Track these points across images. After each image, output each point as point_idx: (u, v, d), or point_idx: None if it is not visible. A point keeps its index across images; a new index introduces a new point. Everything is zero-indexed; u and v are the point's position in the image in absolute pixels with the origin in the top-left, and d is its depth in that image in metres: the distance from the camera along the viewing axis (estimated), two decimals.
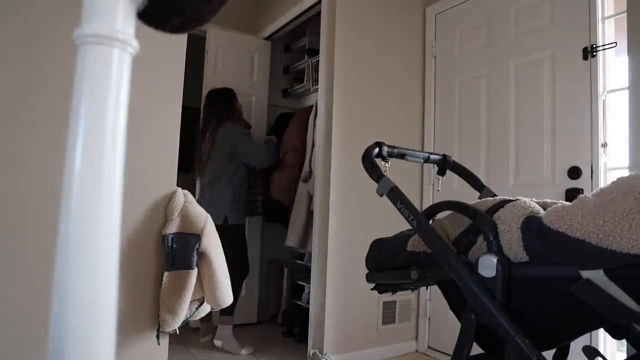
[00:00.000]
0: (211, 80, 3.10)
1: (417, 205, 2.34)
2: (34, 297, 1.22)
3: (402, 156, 1.30)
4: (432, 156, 1.39)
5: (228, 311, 2.66)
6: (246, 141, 2.81)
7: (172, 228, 1.46)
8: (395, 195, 1.08)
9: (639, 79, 1.86)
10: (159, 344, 1.46)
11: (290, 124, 3.05)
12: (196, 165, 2.87)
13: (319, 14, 2.68)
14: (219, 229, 2.69)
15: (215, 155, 2.77)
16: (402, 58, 2.83)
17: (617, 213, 0.71)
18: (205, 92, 3.08)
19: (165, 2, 0.39)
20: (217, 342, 2.66)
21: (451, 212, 1.07)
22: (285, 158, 2.95)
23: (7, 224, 1.23)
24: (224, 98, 2.89)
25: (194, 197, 1.61)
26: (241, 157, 2.81)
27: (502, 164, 2.44)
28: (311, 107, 3.04)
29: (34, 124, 1.28)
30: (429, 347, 2.72)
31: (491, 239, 0.87)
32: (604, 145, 2.02)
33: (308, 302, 2.60)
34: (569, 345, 1.05)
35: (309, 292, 2.59)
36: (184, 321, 1.49)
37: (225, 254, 2.85)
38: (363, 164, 1.17)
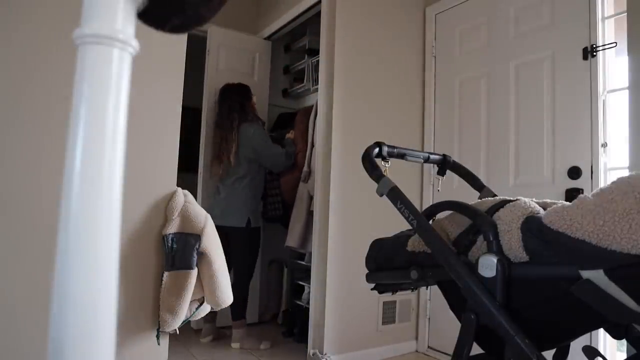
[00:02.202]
0: (213, 79, 3.10)
1: (417, 205, 2.34)
2: (34, 297, 1.22)
3: (402, 156, 1.30)
4: (432, 156, 1.39)
5: (239, 316, 2.73)
6: (268, 145, 2.80)
7: (172, 228, 1.46)
8: (395, 195, 1.08)
9: (639, 79, 1.86)
10: (159, 344, 1.46)
11: (296, 125, 3.04)
12: (215, 164, 2.84)
13: (319, 14, 2.67)
14: (241, 231, 2.71)
15: (238, 156, 2.76)
16: (402, 58, 2.83)
17: (617, 213, 0.71)
18: (206, 91, 3.08)
19: (165, 2, 0.39)
20: (235, 345, 2.70)
21: (451, 212, 1.07)
22: (296, 159, 2.95)
23: (7, 224, 1.23)
24: (241, 95, 2.86)
25: (195, 197, 1.61)
26: (261, 161, 2.81)
27: (502, 164, 2.44)
28: (311, 107, 3.04)
29: (35, 124, 1.28)
30: (429, 347, 2.72)
31: (491, 239, 0.87)
32: (604, 145, 2.02)
33: (308, 302, 2.60)
34: (569, 345, 1.05)
35: (309, 292, 2.59)
36: (184, 321, 1.49)
37: (243, 257, 2.86)
38: (363, 164, 1.17)
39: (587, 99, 2.06)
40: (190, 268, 1.46)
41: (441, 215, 1.11)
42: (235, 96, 2.85)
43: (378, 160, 1.20)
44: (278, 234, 3.26)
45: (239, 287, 2.65)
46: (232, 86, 2.91)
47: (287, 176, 2.97)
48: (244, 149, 2.76)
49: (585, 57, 2.08)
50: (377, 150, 1.21)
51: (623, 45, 1.93)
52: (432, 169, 2.71)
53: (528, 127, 2.33)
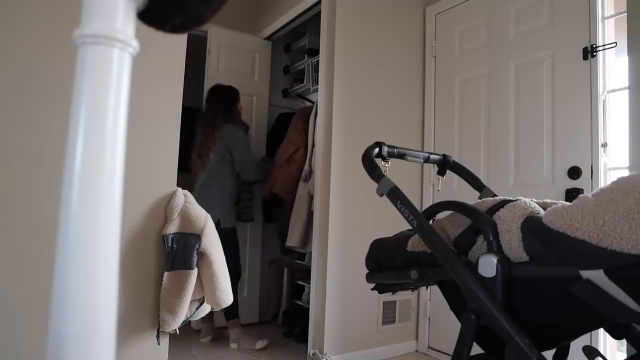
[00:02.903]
0: (213, 80, 3.09)
1: (417, 205, 2.34)
2: (34, 297, 1.22)
3: (402, 156, 1.30)
4: (432, 156, 1.39)
5: (233, 315, 2.72)
6: (244, 149, 2.78)
7: (172, 228, 1.46)
8: (395, 195, 1.08)
9: (639, 79, 1.86)
10: (159, 344, 1.46)
11: (293, 123, 3.03)
12: (196, 162, 2.81)
13: (319, 14, 2.68)
14: None
15: (215, 155, 2.75)
16: (402, 58, 2.83)
17: (617, 213, 0.71)
18: (206, 91, 3.07)
19: (165, 2, 0.39)
20: (233, 345, 2.71)
21: (451, 212, 1.07)
22: (294, 156, 2.93)
23: (7, 224, 1.23)
24: (229, 97, 2.86)
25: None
26: (235, 164, 2.80)
27: (502, 164, 2.44)
28: (310, 107, 3.04)
29: (35, 124, 1.28)
30: (429, 347, 2.72)
31: (491, 238, 0.87)
32: (604, 145, 2.02)
33: (308, 302, 2.60)
34: (569, 345, 1.05)
35: (309, 292, 2.59)
36: (184, 321, 1.49)
37: None
38: (363, 164, 1.17)
39: (587, 99, 2.06)
40: (190, 268, 1.46)
41: (441, 215, 1.11)
42: (222, 97, 2.85)
43: (378, 160, 1.20)
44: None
45: None
46: (221, 87, 2.91)
47: (284, 169, 2.95)
48: (223, 149, 2.74)
49: (585, 57, 2.08)
50: (377, 150, 1.22)
51: (623, 45, 1.93)
52: (432, 169, 2.71)
53: (528, 127, 2.32)
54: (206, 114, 2.85)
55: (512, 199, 0.97)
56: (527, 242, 0.83)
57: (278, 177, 2.98)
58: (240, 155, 2.77)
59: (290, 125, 3.03)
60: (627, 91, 1.92)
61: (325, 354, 2.36)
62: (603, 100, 2.03)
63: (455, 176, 1.46)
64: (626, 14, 1.92)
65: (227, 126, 2.77)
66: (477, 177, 1.42)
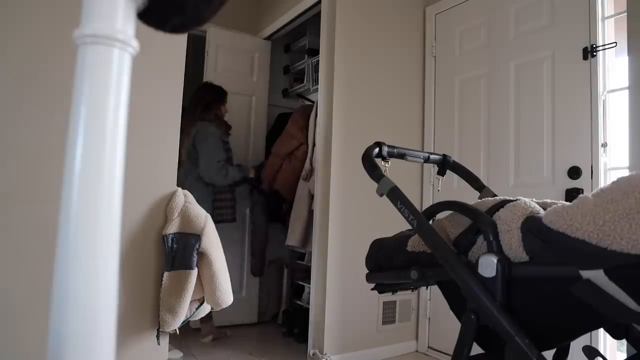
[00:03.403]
0: (212, 80, 3.09)
1: (417, 205, 2.34)
2: (34, 297, 1.22)
3: (402, 156, 1.30)
4: (432, 156, 1.39)
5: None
6: (207, 148, 2.65)
7: (172, 228, 1.46)
8: (395, 195, 1.08)
9: (639, 79, 1.86)
10: (159, 344, 1.46)
11: (293, 119, 3.01)
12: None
13: (319, 14, 2.68)
14: None
15: (185, 153, 2.67)
16: (402, 58, 2.83)
17: (617, 213, 0.71)
18: None
19: (165, 2, 0.39)
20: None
21: (451, 212, 1.07)
22: (296, 152, 2.92)
23: (7, 224, 1.23)
24: (214, 96, 2.81)
25: None
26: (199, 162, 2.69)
27: (502, 164, 2.44)
28: (310, 106, 3.04)
29: (35, 124, 1.28)
30: (429, 347, 2.72)
31: (491, 238, 0.87)
32: (604, 145, 2.02)
33: (308, 302, 2.60)
34: (569, 345, 1.05)
35: (309, 292, 2.59)
36: (184, 321, 1.49)
37: None
38: (363, 164, 1.17)
39: (587, 99, 2.06)
40: (190, 268, 1.46)
41: (441, 215, 1.11)
42: (206, 95, 2.81)
43: (378, 160, 1.20)
44: (278, 234, 3.26)
45: None
46: (210, 85, 2.87)
47: (285, 165, 2.94)
48: (190, 146, 2.68)
49: (585, 57, 2.08)
50: (377, 150, 1.22)
51: (623, 45, 1.93)
52: (432, 169, 2.71)
53: (528, 127, 2.32)
54: (187, 110, 2.76)
55: (512, 199, 0.97)
56: (527, 242, 0.83)
57: (279, 172, 2.96)
58: (203, 154, 2.64)
59: (290, 121, 3.00)
60: (627, 91, 1.92)
61: (325, 354, 2.36)
62: (603, 100, 2.03)
63: (455, 176, 1.46)
64: (626, 14, 1.92)
65: (200, 123, 2.70)
66: (477, 177, 1.42)
